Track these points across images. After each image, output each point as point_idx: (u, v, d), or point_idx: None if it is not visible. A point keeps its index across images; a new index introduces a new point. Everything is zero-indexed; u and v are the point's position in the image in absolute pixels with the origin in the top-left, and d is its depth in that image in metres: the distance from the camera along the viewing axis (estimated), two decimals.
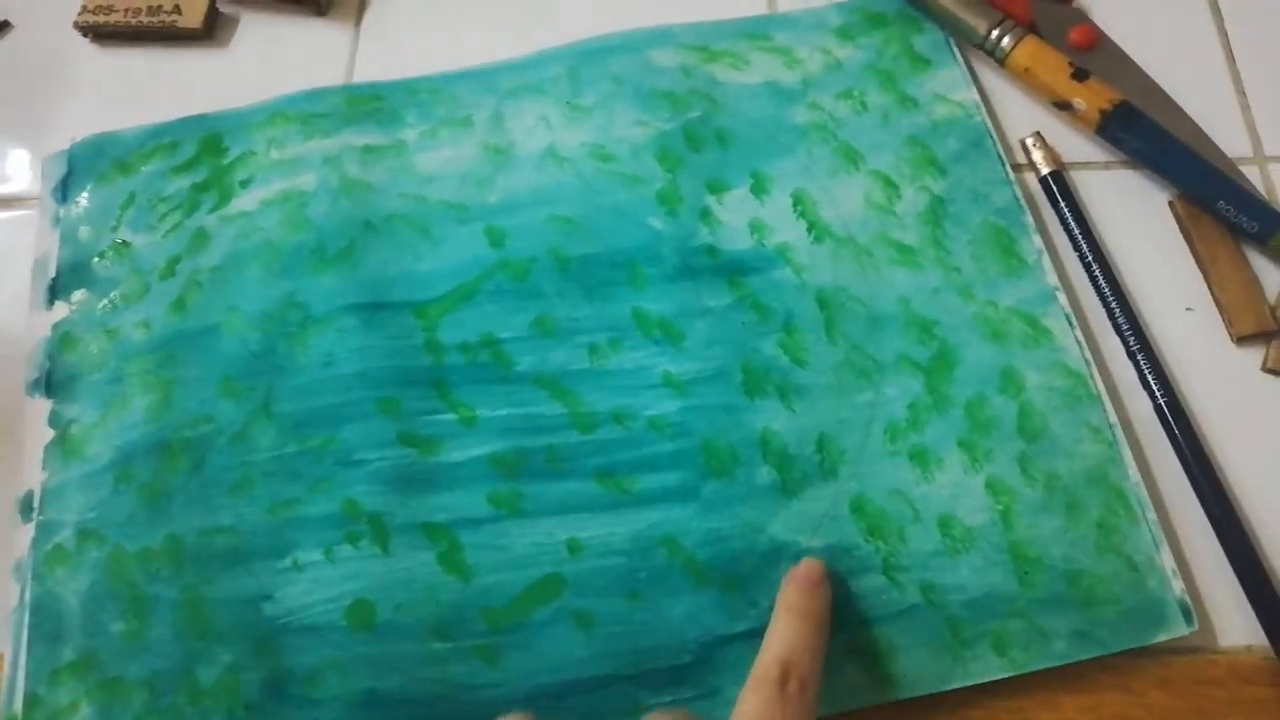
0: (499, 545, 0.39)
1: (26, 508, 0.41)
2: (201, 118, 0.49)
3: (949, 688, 0.36)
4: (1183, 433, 0.39)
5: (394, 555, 0.39)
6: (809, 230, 0.44)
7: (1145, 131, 0.44)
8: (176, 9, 0.51)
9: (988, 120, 0.46)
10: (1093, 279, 0.42)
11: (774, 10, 0.50)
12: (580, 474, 0.40)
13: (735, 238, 0.44)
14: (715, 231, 0.44)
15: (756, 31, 0.49)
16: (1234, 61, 0.47)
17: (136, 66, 0.52)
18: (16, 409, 0.43)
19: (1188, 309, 0.42)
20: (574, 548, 0.39)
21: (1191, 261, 0.43)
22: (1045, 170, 0.45)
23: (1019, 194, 0.44)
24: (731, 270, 0.43)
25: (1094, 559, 0.37)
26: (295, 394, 0.42)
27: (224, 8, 0.53)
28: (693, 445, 0.40)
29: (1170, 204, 0.44)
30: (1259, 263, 0.43)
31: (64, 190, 0.47)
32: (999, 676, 0.36)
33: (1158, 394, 0.40)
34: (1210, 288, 0.42)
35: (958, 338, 0.41)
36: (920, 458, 0.39)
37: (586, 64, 0.48)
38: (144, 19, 0.51)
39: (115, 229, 0.46)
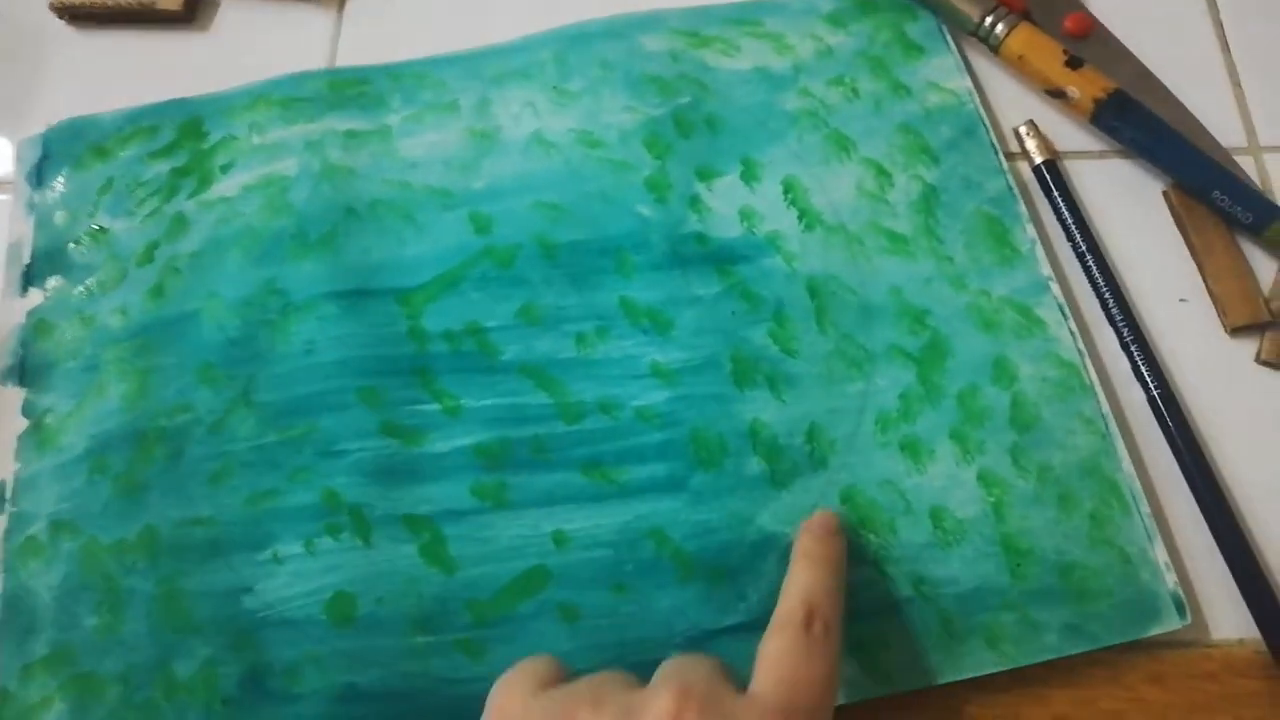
0: (483, 537, 0.38)
1: None
2: (181, 101, 0.48)
3: (941, 682, 0.35)
4: (1176, 425, 0.39)
5: (375, 547, 0.38)
6: (800, 218, 0.43)
7: (1140, 120, 0.43)
8: None
9: (980, 108, 0.45)
10: (1086, 269, 0.42)
11: None
12: (566, 465, 0.39)
13: (725, 225, 0.43)
14: (705, 219, 0.43)
15: (747, 17, 0.48)
16: (1229, 51, 0.47)
17: (114, 49, 0.51)
18: None
19: (1181, 300, 0.42)
20: (560, 540, 0.38)
21: (1185, 252, 0.43)
22: (1039, 159, 0.44)
23: (1012, 183, 0.43)
24: (721, 258, 0.42)
25: (1086, 551, 0.37)
26: (275, 382, 0.41)
27: None
28: (681, 436, 0.39)
29: (1164, 194, 0.44)
30: (1253, 254, 0.43)
31: (39, 175, 0.46)
32: (991, 671, 0.35)
33: (1151, 385, 0.40)
34: (1204, 278, 0.42)
35: (950, 328, 0.41)
36: (912, 449, 0.39)
37: (574, 49, 0.47)
38: (122, 0, 0.50)
39: (92, 214, 0.45)
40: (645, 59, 0.47)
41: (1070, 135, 0.46)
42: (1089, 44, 0.47)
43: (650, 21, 0.48)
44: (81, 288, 0.43)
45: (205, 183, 0.45)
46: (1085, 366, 0.40)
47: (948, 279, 0.42)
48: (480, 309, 0.42)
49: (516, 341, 0.41)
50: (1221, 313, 0.41)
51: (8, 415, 0.41)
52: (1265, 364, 0.41)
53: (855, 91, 0.46)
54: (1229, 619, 0.37)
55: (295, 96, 0.47)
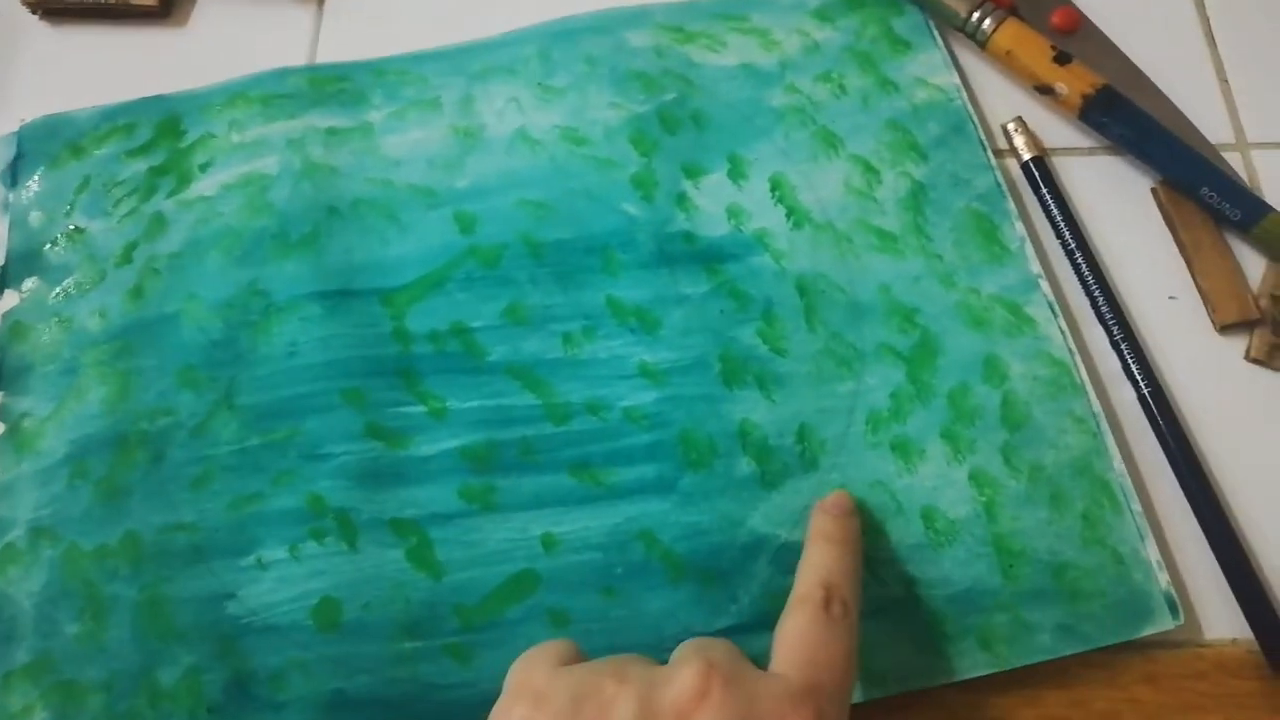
0: (470, 541, 0.38)
1: None
2: (158, 99, 0.47)
3: (934, 684, 0.35)
4: (1166, 423, 0.39)
5: (361, 552, 0.37)
6: (788, 216, 0.43)
7: (1128, 117, 0.43)
8: None
9: (969, 104, 0.45)
10: (1075, 267, 0.42)
11: None
12: (555, 467, 0.39)
13: (712, 223, 0.43)
14: (692, 217, 0.43)
15: (733, 12, 0.48)
16: (1215, 47, 0.47)
17: (89, 45, 0.50)
18: None
19: (1171, 297, 0.42)
20: (548, 543, 0.37)
21: (1174, 249, 0.43)
22: (1027, 156, 0.44)
23: (1000, 180, 0.43)
24: (709, 257, 0.42)
25: (1079, 551, 0.37)
26: (258, 385, 0.40)
27: None
28: (670, 437, 0.39)
29: (1153, 191, 0.44)
30: (1242, 250, 0.42)
31: (13, 174, 0.45)
32: (985, 672, 0.35)
33: (1141, 383, 0.39)
34: (1193, 275, 0.42)
35: (939, 326, 0.40)
36: (902, 448, 0.38)
37: (559, 44, 0.47)
38: None
39: (69, 214, 0.44)
40: (631, 55, 0.46)
41: (1058, 131, 0.45)
42: (1077, 40, 0.46)
43: (635, 17, 0.48)
44: (59, 289, 0.43)
45: (184, 182, 0.45)
46: (1076, 364, 0.39)
47: (937, 277, 0.41)
48: (465, 309, 0.41)
49: (503, 342, 0.41)
50: (1211, 310, 0.41)
51: None
52: (1255, 361, 0.40)
53: (842, 88, 0.46)
54: (1222, 619, 0.37)
55: (275, 93, 0.46)
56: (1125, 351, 0.40)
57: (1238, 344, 0.41)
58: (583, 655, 0.31)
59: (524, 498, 0.38)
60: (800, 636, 0.30)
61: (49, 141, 0.46)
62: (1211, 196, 0.42)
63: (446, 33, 0.48)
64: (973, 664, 0.35)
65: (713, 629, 0.36)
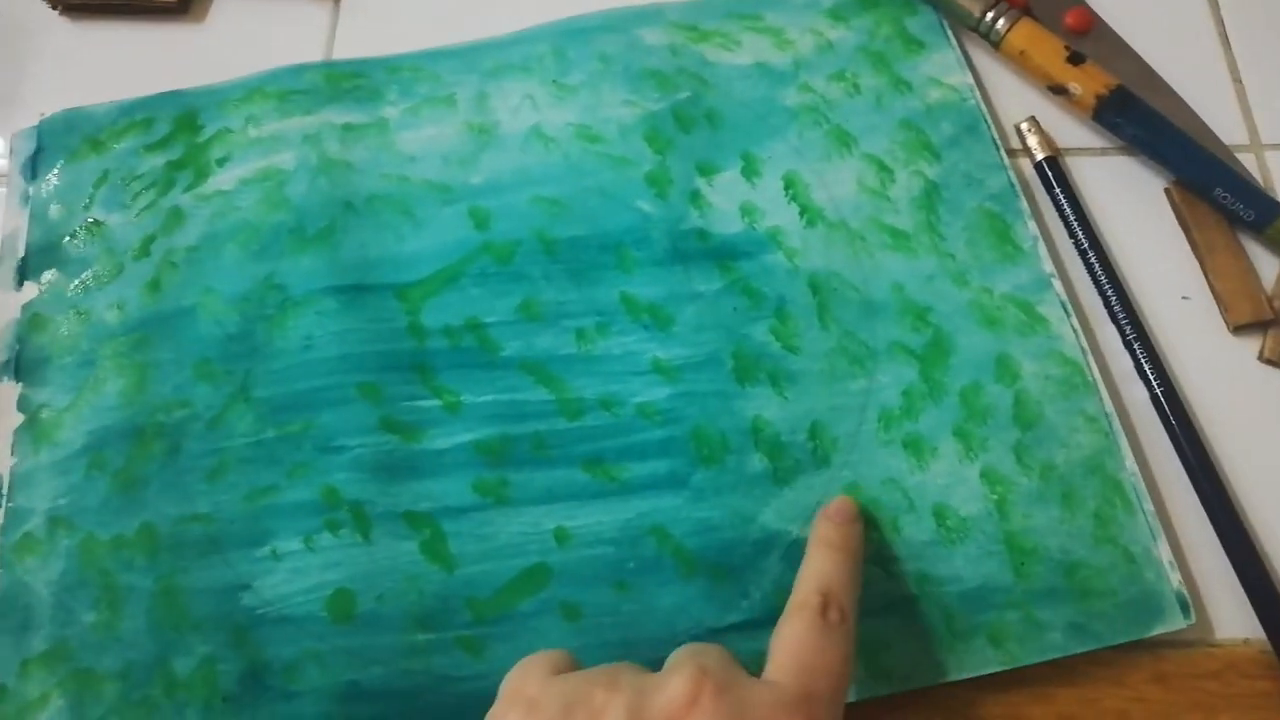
0: (484, 534, 0.38)
1: None
2: (176, 94, 0.47)
3: (944, 681, 0.35)
4: (1179, 422, 0.39)
5: (375, 544, 0.38)
6: (801, 214, 0.43)
7: (1141, 117, 0.43)
8: None
9: (982, 104, 0.45)
10: (1088, 266, 0.42)
11: None
12: (568, 462, 0.39)
13: (726, 221, 0.43)
14: (705, 214, 0.43)
15: (747, 11, 0.48)
16: (1229, 47, 0.47)
17: (108, 40, 0.50)
18: None
19: (1184, 297, 0.42)
20: (561, 537, 0.38)
21: (1188, 249, 0.43)
22: (1040, 156, 0.44)
23: (1014, 179, 0.43)
24: (722, 254, 0.42)
25: (1091, 550, 0.37)
26: (274, 378, 0.41)
27: None
28: (682, 433, 0.39)
29: (1166, 191, 0.44)
30: (1255, 251, 0.42)
31: (33, 167, 0.46)
32: (995, 670, 0.35)
33: (1154, 383, 0.39)
34: (1206, 276, 0.42)
35: (952, 325, 0.40)
36: (915, 446, 0.38)
37: (573, 42, 0.47)
38: None
39: (87, 208, 0.45)
40: (645, 53, 0.47)
41: (1072, 132, 0.46)
42: (1090, 40, 0.46)
43: (649, 15, 0.48)
44: (77, 282, 0.43)
45: (201, 176, 0.45)
46: (1088, 364, 0.39)
47: (950, 276, 0.41)
48: (480, 305, 0.42)
49: (517, 337, 0.41)
50: (1224, 310, 0.41)
51: (3, 410, 0.41)
52: (1268, 362, 0.40)
53: (856, 87, 0.46)
54: (1233, 619, 0.37)
55: (292, 89, 0.47)
56: (1138, 351, 0.40)
57: (1251, 344, 0.41)
58: (577, 665, 0.31)
59: (537, 492, 0.38)
60: (796, 642, 0.30)
61: (68, 136, 0.46)
62: (1225, 197, 0.42)
63: (461, 30, 0.48)
64: (983, 661, 0.35)
65: (724, 624, 0.36)
